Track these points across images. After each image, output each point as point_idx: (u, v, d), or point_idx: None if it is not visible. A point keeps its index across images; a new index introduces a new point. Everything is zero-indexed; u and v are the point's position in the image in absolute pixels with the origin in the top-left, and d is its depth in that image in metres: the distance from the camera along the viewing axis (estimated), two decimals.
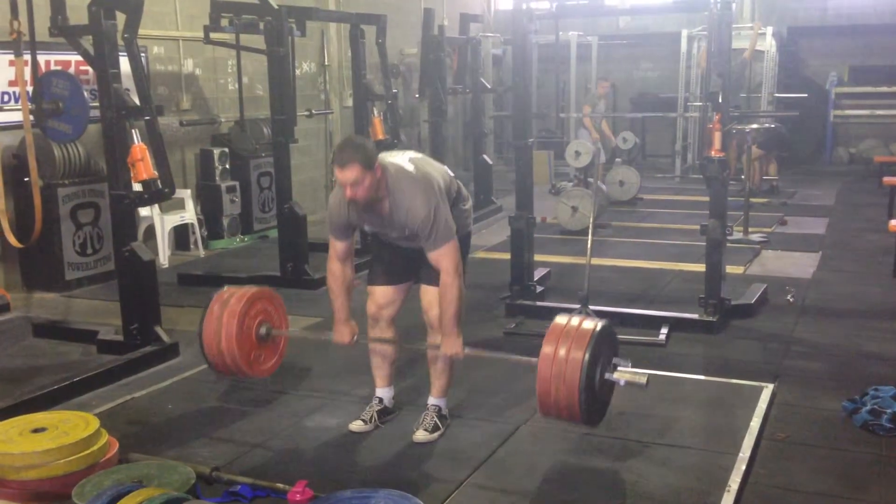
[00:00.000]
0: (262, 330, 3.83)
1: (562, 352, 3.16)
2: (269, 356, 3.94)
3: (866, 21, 13.31)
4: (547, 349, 3.19)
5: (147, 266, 5.03)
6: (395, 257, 3.84)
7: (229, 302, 3.75)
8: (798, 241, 8.13)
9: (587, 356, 3.12)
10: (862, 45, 13.70)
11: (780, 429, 3.91)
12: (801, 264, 7.23)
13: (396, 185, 3.50)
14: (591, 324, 3.27)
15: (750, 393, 4.29)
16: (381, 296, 3.84)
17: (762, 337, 5.31)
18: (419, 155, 3.78)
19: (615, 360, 3.33)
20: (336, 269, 3.73)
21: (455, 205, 3.71)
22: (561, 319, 3.31)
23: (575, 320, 3.30)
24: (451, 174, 3.82)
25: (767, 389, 4.32)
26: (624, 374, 3.29)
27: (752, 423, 3.91)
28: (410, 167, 3.58)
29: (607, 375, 3.28)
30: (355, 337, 3.78)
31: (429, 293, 3.72)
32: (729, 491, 3.30)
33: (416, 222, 3.48)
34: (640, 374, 3.31)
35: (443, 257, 3.51)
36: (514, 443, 3.81)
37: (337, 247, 3.71)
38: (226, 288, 3.87)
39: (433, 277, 3.62)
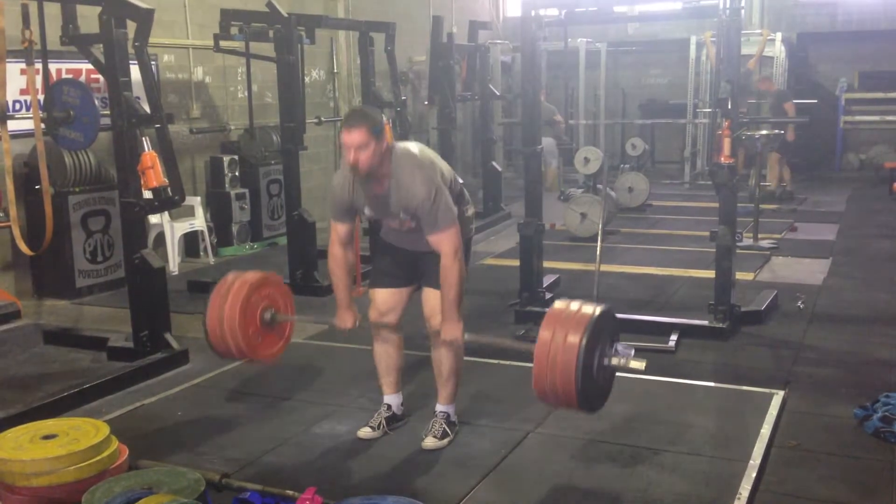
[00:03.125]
0: (267, 315, 3.83)
1: (559, 336, 3.08)
2: (275, 341, 3.93)
3: (876, 27, 13.27)
4: (544, 334, 3.13)
5: (157, 273, 5.05)
6: (397, 259, 3.84)
7: (233, 287, 3.75)
8: (808, 248, 8.10)
9: (584, 341, 3.04)
10: (872, 50, 13.65)
11: (791, 436, 3.89)
12: (812, 270, 7.20)
13: (400, 163, 3.52)
14: (590, 308, 3.20)
15: (760, 400, 4.27)
16: (382, 302, 3.83)
17: (772, 343, 5.29)
18: (425, 147, 3.79)
19: (616, 347, 3.26)
20: (338, 253, 3.73)
21: (458, 203, 3.69)
22: (560, 304, 3.27)
23: (574, 305, 3.24)
24: (461, 181, 3.83)
25: (778, 396, 4.30)
26: (621, 359, 3.23)
27: (762, 430, 3.89)
28: (415, 150, 3.61)
29: (606, 361, 3.22)
30: (357, 322, 3.78)
31: (431, 300, 3.69)
32: (739, 498, 3.29)
33: (416, 202, 3.47)
34: (639, 360, 3.25)
35: (443, 240, 3.50)
36: (523, 450, 3.80)
37: (339, 230, 3.71)
38: (230, 273, 3.87)
39: (435, 280, 3.59)
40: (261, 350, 3.84)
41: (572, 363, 3.04)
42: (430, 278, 3.69)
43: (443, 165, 3.69)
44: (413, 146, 3.66)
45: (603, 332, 3.17)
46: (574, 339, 3.05)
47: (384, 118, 3.57)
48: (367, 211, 3.70)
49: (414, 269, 3.81)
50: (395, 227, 3.72)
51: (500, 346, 4.06)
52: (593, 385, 3.14)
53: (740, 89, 5.64)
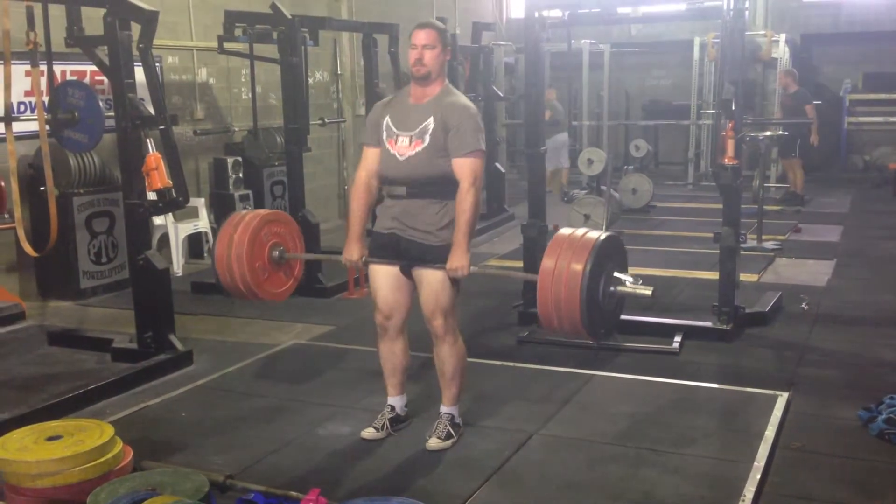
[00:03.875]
0: (276, 253, 3.82)
1: (562, 264, 3.03)
2: (283, 280, 3.93)
3: (880, 28, 13.25)
4: (548, 262, 3.08)
5: (161, 274, 5.05)
6: (386, 248, 3.75)
7: (241, 223, 3.75)
8: (812, 249, 8.09)
9: (588, 267, 3.00)
10: (876, 51, 13.63)
11: (795, 438, 3.89)
12: (816, 272, 7.20)
13: (450, 89, 3.69)
14: (594, 234, 3.16)
15: (764, 401, 4.27)
16: (384, 304, 3.78)
17: (776, 345, 5.28)
18: None
19: (622, 276, 3.23)
20: (362, 179, 3.75)
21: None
22: (565, 231, 3.22)
23: (579, 231, 3.19)
24: None
25: (782, 398, 4.29)
26: (628, 286, 3.20)
27: (766, 432, 3.88)
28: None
29: (612, 288, 3.18)
30: (364, 257, 3.78)
31: (430, 300, 3.64)
32: (743, 500, 3.28)
33: (457, 116, 3.54)
34: (646, 287, 3.22)
35: (466, 166, 3.53)
36: (527, 451, 3.80)
37: (369, 154, 3.75)
38: (237, 211, 3.87)
39: (427, 260, 3.60)
40: (267, 286, 3.84)
41: (576, 291, 2.98)
42: (420, 258, 3.63)
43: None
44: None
45: (608, 259, 3.11)
46: (578, 266, 3.01)
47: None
48: (386, 121, 3.69)
49: (400, 252, 3.71)
50: (398, 152, 3.63)
51: (504, 276, 3.96)
52: (599, 312, 3.09)
53: (744, 90, 5.63)
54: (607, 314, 3.20)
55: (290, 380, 4.77)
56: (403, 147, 3.63)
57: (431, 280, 3.63)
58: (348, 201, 3.87)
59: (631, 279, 3.24)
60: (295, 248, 3.98)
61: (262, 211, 3.90)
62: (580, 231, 3.21)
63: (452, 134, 3.54)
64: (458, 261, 3.53)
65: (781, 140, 9.69)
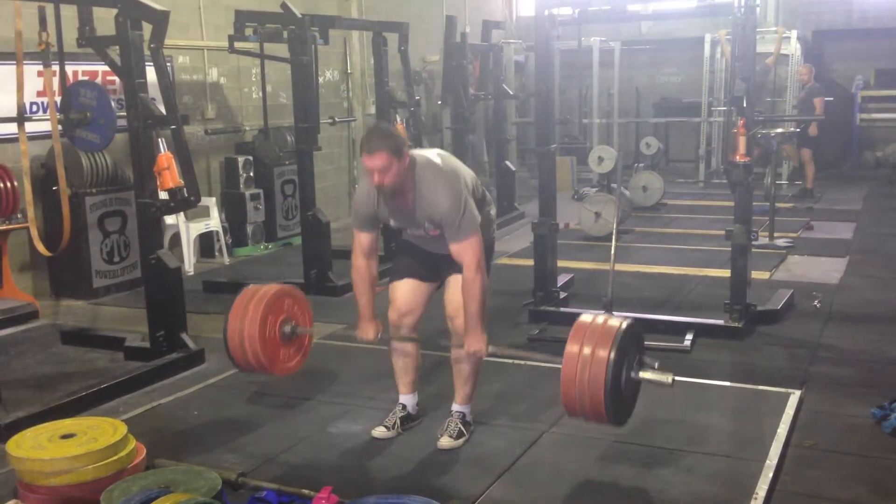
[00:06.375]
0: (287, 328, 3.84)
1: (587, 350, 3.07)
2: (294, 354, 3.95)
3: (893, 23, 13.15)
4: (572, 348, 3.12)
5: (173, 273, 5.08)
6: (419, 258, 3.84)
7: (252, 300, 3.76)
8: (825, 246, 8.05)
9: (613, 355, 3.05)
10: (888, 47, 13.52)
11: (808, 436, 3.88)
12: (828, 269, 7.16)
13: (422, 175, 3.52)
14: (616, 322, 3.21)
15: (777, 399, 4.26)
16: (403, 302, 3.82)
17: (789, 343, 5.26)
18: (446, 153, 3.79)
19: (642, 359, 3.27)
20: (361, 265, 3.72)
21: (480, 208, 3.68)
22: (586, 318, 3.25)
23: (600, 318, 3.24)
24: (478, 180, 3.83)
25: (794, 396, 4.28)
26: (649, 373, 3.23)
27: (779, 430, 3.87)
28: (438, 160, 3.61)
29: (633, 374, 3.22)
30: (379, 335, 3.78)
31: (454, 296, 3.68)
32: (756, 498, 3.28)
33: (441, 212, 3.48)
34: (666, 374, 3.25)
35: (465, 250, 3.50)
36: (538, 449, 3.80)
37: (362, 240, 3.70)
38: (249, 286, 3.89)
39: (459, 269, 3.59)
40: (280, 363, 3.86)
41: (601, 379, 3.03)
42: (454, 268, 3.65)
43: (465, 172, 3.69)
44: (434, 156, 3.64)
45: (630, 346, 3.16)
46: (603, 353, 3.05)
47: (399, 123, 3.59)
48: (392, 222, 3.72)
49: (436, 268, 3.81)
50: (420, 235, 3.73)
51: (525, 357, 4.04)
52: (621, 398, 3.15)
53: (756, 87, 5.61)
54: (627, 400, 3.25)
55: (302, 378, 4.76)
56: (422, 232, 3.67)
57: (459, 281, 3.63)
58: None
59: (655, 365, 3.28)
60: (304, 318, 3.98)
61: (268, 289, 3.83)
62: (601, 318, 3.24)
63: (445, 227, 3.52)
64: (476, 344, 3.55)
65: (798, 132, 9.73)
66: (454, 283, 3.69)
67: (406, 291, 3.82)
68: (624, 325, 3.17)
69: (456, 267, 3.61)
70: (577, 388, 3.09)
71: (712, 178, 12.62)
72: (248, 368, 3.88)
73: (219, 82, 8.48)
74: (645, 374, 3.23)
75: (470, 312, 3.51)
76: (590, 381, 3.07)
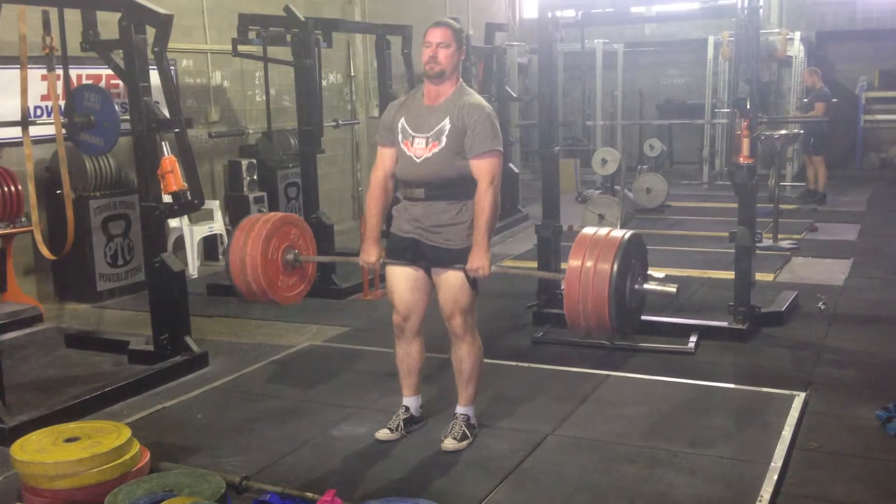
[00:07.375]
0: (290, 255, 3.83)
1: (589, 263, 3.03)
2: (298, 283, 3.95)
3: None
4: (574, 262, 3.08)
5: (177, 277, 5.08)
6: (404, 249, 3.77)
7: (258, 221, 3.76)
8: (829, 248, 8.04)
9: (616, 266, 3.00)
10: (892, 48, 13.51)
11: (812, 438, 3.87)
12: (833, 271, 7.15)
13: (466, 89, 3.65)
14: (619, 233, 3.15)
15: (781, 401, 4.25)
16: (403, 306, 3.79)
17: (793, 345, 5.25)
18: None
19: (652, 273, 3.25)
20: (378, 180, 3.74)
21: None
22: (588, 230, 3.21)
23: (603, 230, 3.19)
24: None
25: (799, 398, 4.27)
26: (653, 284, 3.20)
27: (783, 432, 3.86)
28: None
29: (637, 286, 3.17)
30: (381, 259, 3.79)
31: (449, 299, 3.65)
32: (760, 501, 3.27)
33: (473, 119, 3.53)
34: (671, 284, 3.22)
35: (483, 166, 3.53)
36: (542, 452, 3.79)
37: (384, 154, 3.74)
38: (249, 216, 3.90)
39: (445, 261, 3.62)
40: (281, 288, 3.85)
41: (605, 289, 2.98)
42: (439, 261, 3.64)
43: None
44: None
45: (633, 257, 3.11)
46: (605, 265, 3.01)
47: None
48: (401, 123, 3.68)
49: (420, 255, 3.72)
50: (415, 154, 3.63)
51: (525, 275, 3.97)
52: (626, 310, 3.10)
53: (759, 88, 5.60)
54: (632, 312, 3.22)
55: (306, 381, 4.78)
56: (420, 149, 3.62)
57: (451, 280, 3.64)
58: (362, 203, 3.88)
59: (659, 276, 3.26)
60: (308, 250, 4.00)
61: (274, 214, 3.92)
62: (603, 230, 3.21)
63: (469, 134, 3.54)
64: (479, 261, 3.54)
65: (808, 138, 9.69)
66: (446, 284, 3.67)
67: (404, 295, 3.78)
68: (627, 236, 3.13)
69: (442, 256, 3.59)
70: (580, 302, 3.04)
71: (716, 179, 12.62)
72: (249, 295, 3.87)
73: (222, 85, 8.50)
74: (649, 285, 3.19)
75: (477, 224, 3.53)
76: (593, 295, 3.01)
